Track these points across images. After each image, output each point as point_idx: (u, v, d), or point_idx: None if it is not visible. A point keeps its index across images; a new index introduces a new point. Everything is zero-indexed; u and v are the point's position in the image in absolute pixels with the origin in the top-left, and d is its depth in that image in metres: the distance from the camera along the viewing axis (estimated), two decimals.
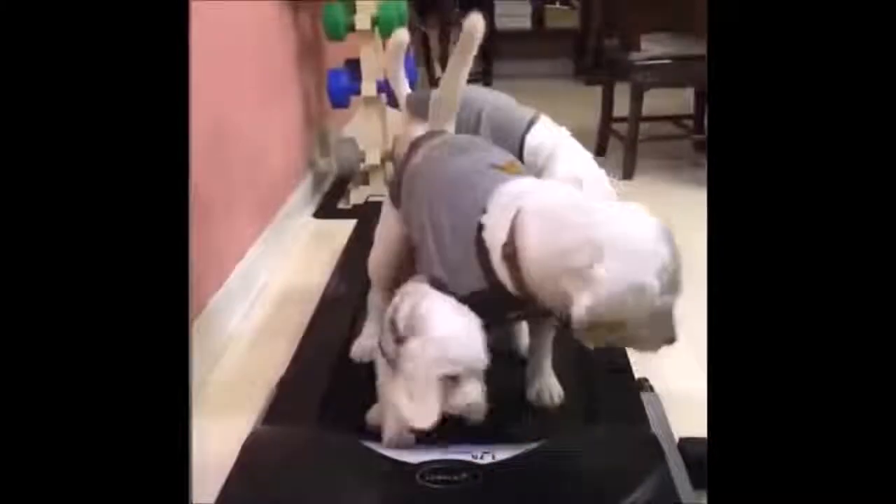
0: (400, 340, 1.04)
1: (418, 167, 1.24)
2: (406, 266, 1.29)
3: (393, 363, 1.07)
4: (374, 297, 1.44)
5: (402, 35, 1.37)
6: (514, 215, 1.04)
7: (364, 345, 1.43)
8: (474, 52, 1.29)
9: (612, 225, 0.98)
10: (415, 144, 1.31)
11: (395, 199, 1.31)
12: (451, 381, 1.02)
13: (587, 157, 1.46)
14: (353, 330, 1.51)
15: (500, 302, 1.09)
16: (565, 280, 0.98)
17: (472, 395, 1.02)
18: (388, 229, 1.35)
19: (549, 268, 1.00)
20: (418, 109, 1.49)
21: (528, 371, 1.32)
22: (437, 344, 1.01)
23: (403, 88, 1.60)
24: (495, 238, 1.05)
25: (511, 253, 1.03)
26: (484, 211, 1.07)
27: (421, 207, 1.17)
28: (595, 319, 0.96)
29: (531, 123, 1.48)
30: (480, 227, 1.07)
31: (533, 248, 1.02)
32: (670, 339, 1.03)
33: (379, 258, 1.38)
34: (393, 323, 1.06)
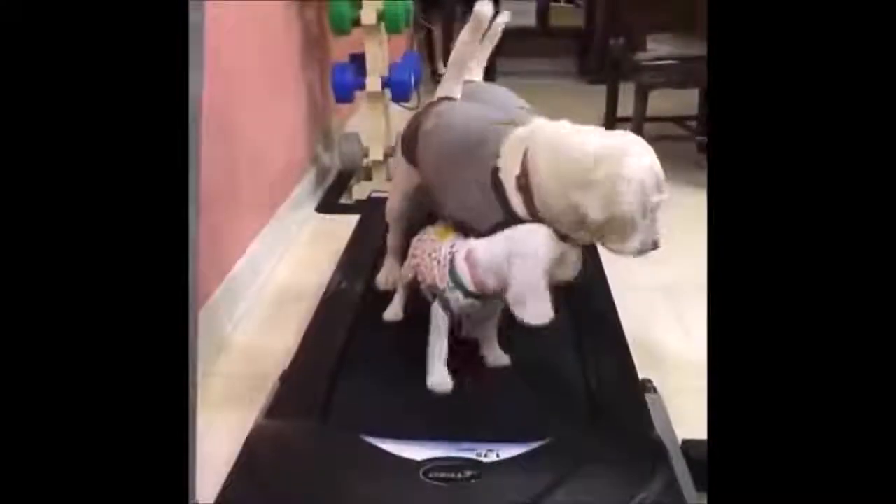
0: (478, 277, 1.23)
1: (433, 130, 1.40)
2: (418, 212, 1.53)
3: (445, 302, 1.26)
4: (393, 239, 1.65)
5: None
6: (523, 151, 1.22)
7: (386, 276, 1.65)
8: (481, 31, 1.44)
9: (603, 140, 1.17)
10: (425, 109, 1.48)
11: (409, 156, 1.49)
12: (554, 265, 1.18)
13: None
14: (355, 329, 1.50)
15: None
16: (571, 191, 1.16)
17: (576, 260, 1.20)
18: (403, 181, 1.55)
19: (556, 185, 1.18)
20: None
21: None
22: (533, 249, 1.18)
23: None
24: (510, 174, 1.23)
25: (524, 183, 1.21)
26: (497, 156, 1.25)
27: (440, 166, 1.36)
28: (607, 216, 1.13)
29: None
30: (496, 171, 1.25)
31: (542, 171, 1.19)
32: (655, 243, 1.18)
33: (396, 206, 1.59)
34: (452, 265, 1.26)
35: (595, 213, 1.14)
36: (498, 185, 1.25)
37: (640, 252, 1.19)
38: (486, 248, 1.22)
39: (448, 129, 1.38)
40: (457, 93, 1.49)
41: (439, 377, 1.27)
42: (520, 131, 1.26)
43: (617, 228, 1.15)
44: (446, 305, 1.27)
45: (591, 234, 1.19)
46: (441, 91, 1.52)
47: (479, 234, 1.26)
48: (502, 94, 1.55)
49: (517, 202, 1.23)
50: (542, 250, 1.17)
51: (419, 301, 1.38)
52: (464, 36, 1.45)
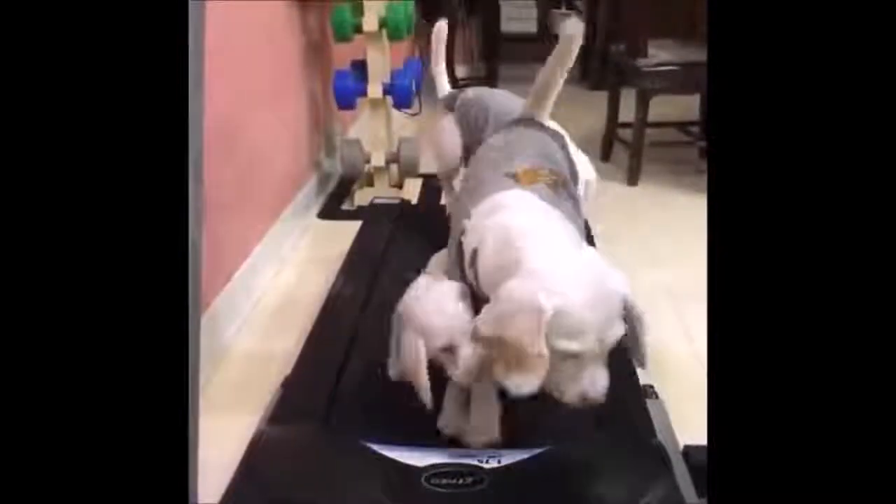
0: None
1: (477, 157, 1.37)
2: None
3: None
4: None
5: (442, 26, 1.42)
6: (484, 227, 1.13)
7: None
8: (573, 55, 1.36)
9: (543, 263, 1.02)
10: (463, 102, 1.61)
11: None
12: None
13: (585, 158, 1.55)
14: (357, 335, 1.50)
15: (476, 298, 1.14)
16: (491, 295, 1.03)
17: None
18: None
19: (490, 280, 1.07)
20: (449, 105, 1.78)
21: None
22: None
23: (443, 82, 1.88)
24: (469, 243, 1.15)
25: (473, 261, 1.12)
26: (469, 217, 1.18)
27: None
28: (491, 335, 0.99)
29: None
30: (463, 231, 1.18)
31: (484, 259, 1.10)
32: (582, 395, 1.02)
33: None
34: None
35: (486, 327, 1.00)
36: (460, 248, 1.18)
37: (558, 398, 1.03)
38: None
39: (472, 166, 1.37)
40: (545, 118, 1.43)
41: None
42: (498, 198, 1.16)
43: (507, 355, 0.98)
44: None
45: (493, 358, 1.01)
46: (525, 111, 1.46)
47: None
48: (505, 99, 1.57)
49: (470, 274, 1.14)
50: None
51: None
52: (552, 61, 1.38)
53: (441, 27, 1.83)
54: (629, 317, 1.05)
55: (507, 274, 1.02)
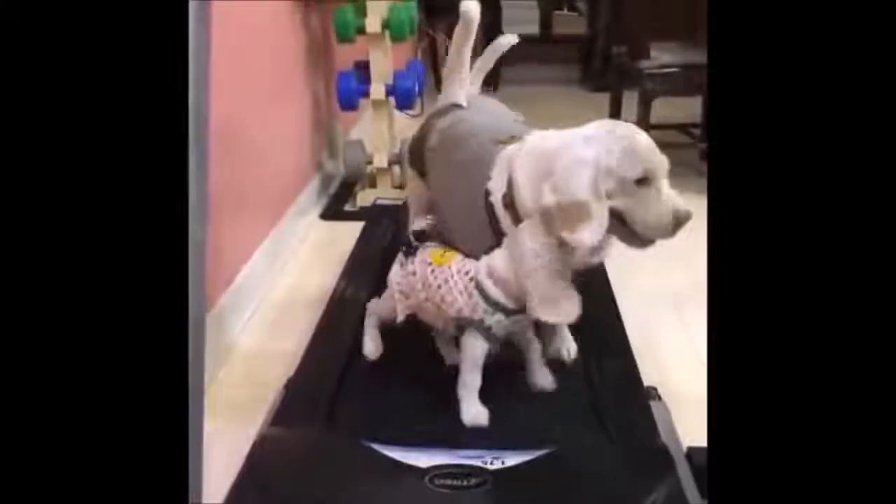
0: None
1: (437, 148, 1.42)
2: None
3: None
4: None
5: (473, 10, 1.44)
6: (508, 169, 1.23)
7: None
8: (471, 32, 1.45)
9: (572, 131, 1.19)
10: (429, 121, 1.49)
11: (419, 168, 1.51)
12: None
13: None
14: (360, 336, 1.50)
15: None
16: (538, 186, 1.16)
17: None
18: (416, 196, 1.57)
19: (530, 187, 1.18)
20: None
21: (544, 330, 1.38)
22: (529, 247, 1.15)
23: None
24: (498, 194, 1.23)
25: (509, 200, 1.22)
26: (489, 178, 1.26)
27: (443, 189, 1.39)
28: (556, 200, 1.13)
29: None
30: (487, 193, 1.25)
31: (520, 180, 1.20)
32: (673, 212, 1.15)
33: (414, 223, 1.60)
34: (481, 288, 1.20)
35: (547, 197, 1.13)
36: (489, 207, 1.25)
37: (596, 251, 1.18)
38: (502, 258, 1.19)
39: (450, 149, 1.38)
40: (462, 98, 1.49)
41: (476, 411, 1.22)
42: (508, 150, 1.26)
43: (569, 216, 1.12)
44: (488, 334, 1.20)
45: (555, 227, 1.14)
46: (445, 98, 1.52)
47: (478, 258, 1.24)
48: (496, 108, 1.56)
49: (506, 223, 1.23)
50: (535, 247, 1.14)
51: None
52: (456, 39, 1.47)
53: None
54: None
55: (544, 167, 1.16)
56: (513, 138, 1.29)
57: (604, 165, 1.12)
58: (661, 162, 1.15)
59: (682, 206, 1.14)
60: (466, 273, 1.21)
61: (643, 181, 1.13)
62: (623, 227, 1.17)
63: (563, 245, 1.14)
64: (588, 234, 1.12)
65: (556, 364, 1.36)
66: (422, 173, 1.49)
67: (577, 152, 1.14)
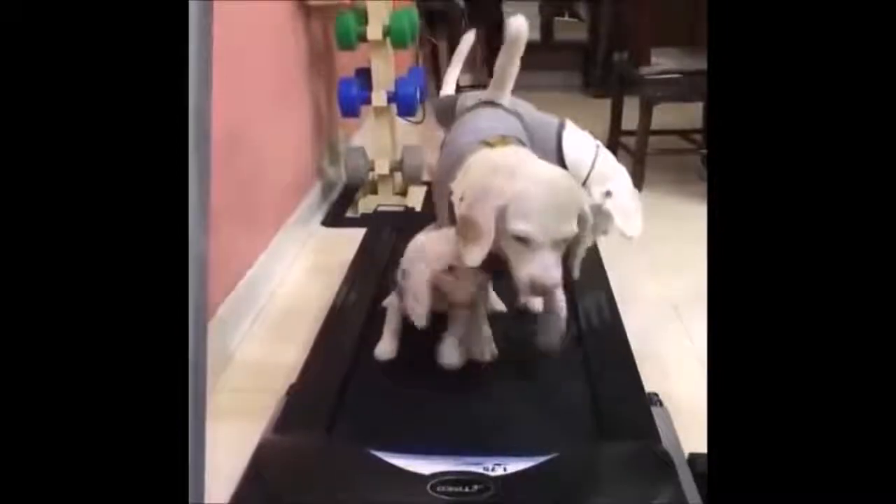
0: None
1: (447, 139, 1.54)
2: None
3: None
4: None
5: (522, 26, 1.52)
6: (469, 170, 1.31)
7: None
8: (520, 49, 1.52)
9: (511, 160, 1.26)
10: (461, 109, 1.60)
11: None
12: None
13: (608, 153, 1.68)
14: (363, 343, 1.51)
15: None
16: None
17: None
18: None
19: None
20: (441, 119, 1.80)
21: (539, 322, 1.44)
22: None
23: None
24: (456, 198, 1.30)
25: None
26: (454, 179, 1.33)
27: (435, 174, 1.54)
28: (461, 214, 1.21)
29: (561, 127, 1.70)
30: (450, 192, 1.32)
31: (466, 198, 1.24)
32: (531, 278, 1.18)
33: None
34: None
35: (461, 206, 1.22)
36: (450, 205, 1.33)
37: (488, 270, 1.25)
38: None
39: (448, 144, 1.47)
40: (504, 100, 1.58)
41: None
42: (475, 156, 1.32)
43: (465, 229, 1.20)
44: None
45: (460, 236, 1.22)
46: (486, 94, 1.59)
47: None
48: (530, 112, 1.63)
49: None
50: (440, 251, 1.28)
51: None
52: (504, 54, 1.53)
53: (467, 41, 1.93)
54: (580, 223, 1.21)
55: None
56: (503, 139, 1.36)
57: (516, 208, 1.17)
58: (546, 228, 1.17)
59: (540, 277, 1.16)
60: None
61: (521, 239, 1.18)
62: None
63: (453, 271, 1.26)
64: (472, 254, 1.19)
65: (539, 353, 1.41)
66: None
67: (494, 182, 1.19)
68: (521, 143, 1.42)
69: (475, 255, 1.19)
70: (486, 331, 1.42)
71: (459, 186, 1.30)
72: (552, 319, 1.41)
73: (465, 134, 1.45)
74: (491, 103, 1.56)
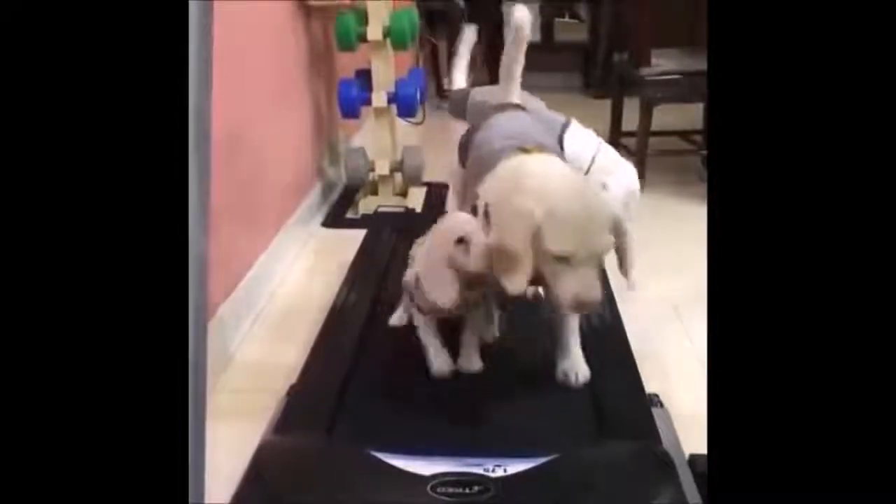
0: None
1: (477, 143, 1.50)
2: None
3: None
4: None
5: (525, 17, 1.56)
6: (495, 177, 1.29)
7: None
8: (524, 40, 1.56)
9: (538, 175, 1.23)
10: (489, 115, 1.57)
11: (462, 159, 1.59)
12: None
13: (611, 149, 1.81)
14: (363, 344, 1.51)
15: None
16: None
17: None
18: (456, 184, 1.71)
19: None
20: (455, 111, 1.88)
21: (556, 352, 1.38)
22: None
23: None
24: (482, 203, 1.26)
25: (487, 211, 1.23)
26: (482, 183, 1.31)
27: (469, 173, 1.50)
28: (492, 243, 1.17)
29: (566, 125, 1.76)
30: (476, 196, 1.30)
31: (493, 221, 1.21)
32: (575, 298, 1.15)
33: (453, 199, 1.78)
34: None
35: (489, 233, 1.18)
36: (474, 209, 1.31)
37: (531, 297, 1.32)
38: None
39: (480, 146, 1.45)
40: (517, 97, 1.60)
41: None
42: (505, 162, 1.29)
43: (500, 258, 1.16)
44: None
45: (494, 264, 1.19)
46: (504, 97, 1.61)
47: None
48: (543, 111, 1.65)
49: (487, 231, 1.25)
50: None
51: None
52: (510, 46, 1.57)
53: (469, 34, 2.05)
54: (617, 232, 1.18)
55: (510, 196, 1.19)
56: (537, 147, 1.33)
57: (550, 228, 1.14)
58: (584, 243, 1.14)
59: (584, 295, 1.14)
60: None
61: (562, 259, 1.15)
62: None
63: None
64: (514, 283, 1.16)
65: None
66: (464, 163, 1.58)
67: (522, 204, 1.16)
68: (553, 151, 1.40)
69: (519, 283, 1.16)
70: (494, 313, 1.45)
71: (485, 193, 1.27)
72: (572, 346, 1.38)
73: (498, 139, 1.41)
74: (516, 105, 1.58)
